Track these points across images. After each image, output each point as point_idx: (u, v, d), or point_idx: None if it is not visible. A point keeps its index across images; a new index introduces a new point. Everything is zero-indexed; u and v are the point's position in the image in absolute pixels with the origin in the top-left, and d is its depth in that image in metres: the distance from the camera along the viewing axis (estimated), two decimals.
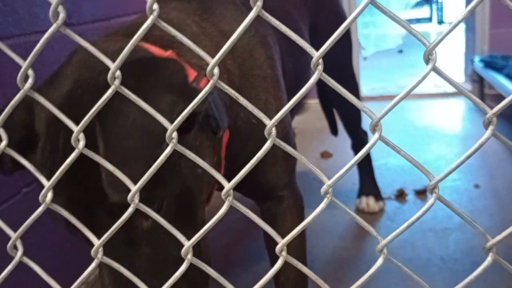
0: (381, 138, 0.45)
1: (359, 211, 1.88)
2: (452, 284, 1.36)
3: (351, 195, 1.97)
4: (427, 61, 0.42)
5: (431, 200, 0.51)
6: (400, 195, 1.96)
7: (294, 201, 1.08)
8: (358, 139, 1.91)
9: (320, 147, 2.55)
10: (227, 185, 0.50)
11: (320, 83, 1.58)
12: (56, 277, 0.66)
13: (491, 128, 0.43)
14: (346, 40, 1.74)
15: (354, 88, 1.84)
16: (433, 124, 2.84)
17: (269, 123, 0.46)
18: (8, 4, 1.13)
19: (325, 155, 2.47)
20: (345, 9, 3.15)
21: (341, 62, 1.73)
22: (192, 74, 0.75)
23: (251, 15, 0.39)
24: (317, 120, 2.62)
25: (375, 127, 0.45)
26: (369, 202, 1.88)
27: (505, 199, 1.85)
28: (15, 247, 0.61)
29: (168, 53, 0.81)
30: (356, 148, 1.95)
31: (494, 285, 1.32)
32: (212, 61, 0.42)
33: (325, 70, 0.43)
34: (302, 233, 1.09)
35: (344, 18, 1.73)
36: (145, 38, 0.71)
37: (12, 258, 0.63)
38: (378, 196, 1.90)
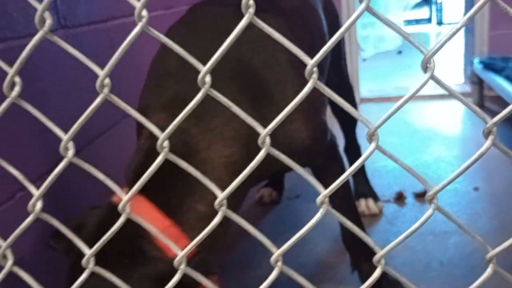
0: (378, 147, 0.44)
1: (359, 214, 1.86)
2: None
3: None
4: (425, 69, 0.41)
5: (429, 210, 0.49)
6: (399, 198, 1.94)
7: (334, 163, 1.29)
8: (352, 143, 1.90)
9: None
10: (221, 195, 0.49)
11: (326, 82, 1.58)
12: (49, 286, 0.65)
13: (491, 138, 0.42)
14: (339, 42, 1.74)
15: (348, 91, 1.83)
16: (432, 126, 2.83)
17: (263, 132, 0.45)
18: (2, 7, 1.12)
19: None
20: (344, 12, 3.16)
21: (336, 66, 1.72)
22: (183, 246, 0.70)
23: (243, 22, 0.38)
24: None
25: (371, 136, 0.44)
26: (369, 204, 1.86)
27: (504, 202, 1.84)
28: (4, 257, 0.60)
29: (167, 224, 0.84)
30: (348, 151, 1.91)
31: None
32: (203, 69, 0.41)
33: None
34: (347, 186, 1.32)
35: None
36: (153, 196, 0.82)
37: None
38: (376, 197, 1.89)
